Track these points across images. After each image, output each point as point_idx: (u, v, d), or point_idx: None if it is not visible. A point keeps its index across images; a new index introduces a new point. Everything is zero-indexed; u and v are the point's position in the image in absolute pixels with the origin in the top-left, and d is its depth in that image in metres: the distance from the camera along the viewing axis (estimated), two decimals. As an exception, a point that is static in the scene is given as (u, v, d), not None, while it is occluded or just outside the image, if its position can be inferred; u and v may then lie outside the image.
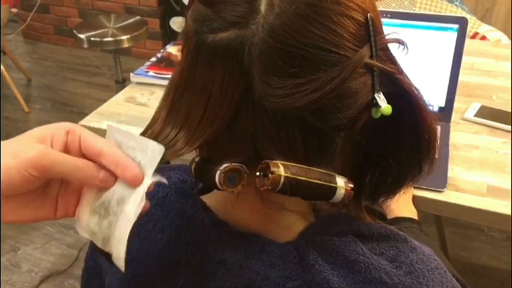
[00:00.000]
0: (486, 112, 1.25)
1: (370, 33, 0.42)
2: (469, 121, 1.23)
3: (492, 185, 1.02)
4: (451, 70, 1.19)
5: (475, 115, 1.24)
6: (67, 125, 0.43)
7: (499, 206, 0.97)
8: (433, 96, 1.21)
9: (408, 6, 2.15)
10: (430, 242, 0.87)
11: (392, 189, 0.52)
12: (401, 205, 0.95)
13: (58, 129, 0.42)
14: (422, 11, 2.13)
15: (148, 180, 0.41)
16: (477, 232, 2.04)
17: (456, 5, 2.16)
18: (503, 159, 1.10)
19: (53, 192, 0.45)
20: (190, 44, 0.44)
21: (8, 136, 2.74)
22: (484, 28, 2.05)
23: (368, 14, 0.42)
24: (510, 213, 0.95)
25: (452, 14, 2.09)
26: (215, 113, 0.43)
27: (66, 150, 0.42)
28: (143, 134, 0.47)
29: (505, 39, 2.02)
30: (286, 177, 0.42)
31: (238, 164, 0.44)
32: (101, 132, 1.25)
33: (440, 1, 2.14)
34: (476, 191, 1.01)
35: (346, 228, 0.51)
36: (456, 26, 1.17)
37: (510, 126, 1.19)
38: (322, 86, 0.40)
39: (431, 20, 1.19)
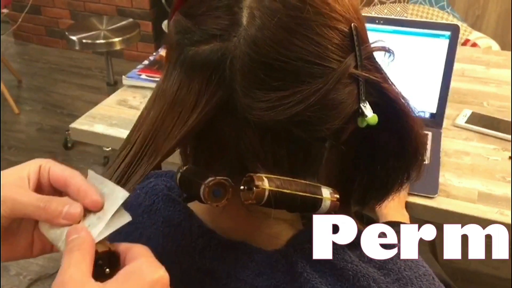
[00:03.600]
0: (477, 119, 1.26)
1: (354, 43, 0.42)
2: (460, 127, 1.24)
3: (483, 192, 1.03)
4: (442, 76, 1.20)
5: (466, 122, 1.25)
6: (39, 161, 0.44)
7: (490, 212, 0.98)
8: (424, 102, 1.22)
9: (400, 12, 2.16)
10: (421, 248, 0.88)
11: (381, 195, 0.52)
12: (393, 209, 0.95)
13: (32, 167, 0.43)
14: (414, 18, 2.14)
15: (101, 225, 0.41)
16: (467, 238, 2.05)
17: (447, 12, 2.17)
18: (494, 166, 1.11)
19: (28, 228, 0.45)
20: (172, 55, 0.44)
21: (-2, 137, 2.72)
22: (475, 35, 2.07)
23: (352, 24, 0.42)
24: (500, 220, 0.96)
25: (444, 21, 2.10)
26: (183, 123, 0.42)
27: (39, 185, 0.43)
28: (125, 143, 0.46)
29: (495, 46, 2.04)
30: (270, 191, 0.42)
31: (223, 178, 0.43)
32: (93, 135, 1.25)
33: (432, 8, 2.16)
34: (467, 197, 1.02)
35: None
36: (448, 33, 1.18)
37: (500, 133, 1.20)
38: (306, 98, 0.40)
39: (423, 27, 1.19)
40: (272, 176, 0.43)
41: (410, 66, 1.19)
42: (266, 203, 0.42)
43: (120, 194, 0.41)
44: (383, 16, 1.40)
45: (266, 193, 0.41)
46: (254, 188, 0.41)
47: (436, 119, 1.22)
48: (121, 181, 0.42)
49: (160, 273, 0.38)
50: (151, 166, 0.42)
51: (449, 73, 1.19)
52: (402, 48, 1.17)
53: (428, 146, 1.14)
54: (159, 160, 0.43)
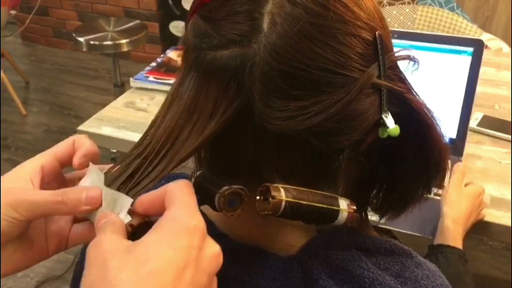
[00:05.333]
0: (488, 122, 1.24)
1: (378, 52, 0.40)
2: (472, 130, 1.22)
3: (495, 197, 1.02)
4: (464, 97, 1.08)
5: (478, 125, 1.23)
6: (36, 161, 0.44)
7: (503, 218, 0.96)
8: (443, 126, 1.13)
9: (409, 13, 2.15)
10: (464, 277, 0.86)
11: (400, 207, 0.50)
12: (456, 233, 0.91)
13: (31, 169, 0.43)
14: (423, 19, 2.12)
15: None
16: (476, 242, 2.03)
17: (457, 13, 2.15)
18: (506, 170, 1.09)
19: (39, 228, 0.44)
20: (188, 58, 0.43)
21: (5, 139, 2.73)
22: (485, 37, 2.05)
23: (377, 32, 0.40)
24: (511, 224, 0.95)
25: (453, 22, 2.09)
26: (201, 131, 0.41)
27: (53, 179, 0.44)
28: (138, 144, 0.45)
29: (506, 47, 2.02)
30: (287, 202, 0.41)
31: (239, 187, 0.42)
32: (100, 137, 1.25)
33: (441, 10, 2.14)
34: (480, 202, 1.00)
35: (350, 242, 0.50)
36: (470, 49, 1.07)
37: (511, 136, 1.19)
38: (326, 109, 0.38)
39: (443, 42, 1.09)
40: (289, 186, 0.41)
41: (427, 85, 1.06)
42: (283, 214, 0.41)
43: (125, 202, 0.40)
44: (399, 29, 1.33)
45: (283, 204, 0.40)
46: (270, 199, 0.40)
47: (456, 145, 1.09)
48: (129, 181, 0.42)
49: (196, 220, 0.36)
50: (165, 172, 0.41)
51: (471, 94, 1.07)
52: (419, 65, 1.06)
53: (446, 178, 1.03)
54: (173, 167, 0.42)
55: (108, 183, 0.42)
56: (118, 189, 0.41)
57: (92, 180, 0.43)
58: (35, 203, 0.39)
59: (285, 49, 0.38)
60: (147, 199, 0.40)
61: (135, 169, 0.42)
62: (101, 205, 0.40)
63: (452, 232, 0.90)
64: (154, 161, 0.42)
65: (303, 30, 0.38)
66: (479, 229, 0.97)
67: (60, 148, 0.45)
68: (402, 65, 0.44)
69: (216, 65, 0.40)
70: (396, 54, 0.43)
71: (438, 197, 0.98)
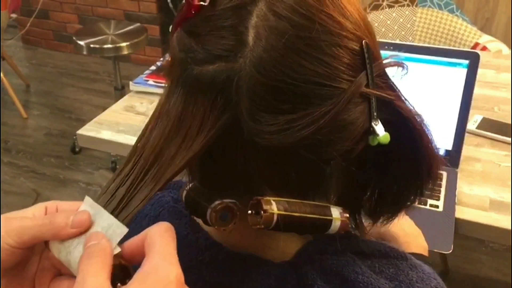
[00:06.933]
0: (488, 125, 1.24)
1: (365, 61, 0.40)
2: (471, 133, 1.22)
3: (495, 199, 1.02)
4: (459, 109, 1.08)
5: (477, 128, 1.23)
6: (42, 204, 0.44)
7: (502, 221, 0.96)
8: (439, 138, 1.11)
9: (408, 16, 2.15)
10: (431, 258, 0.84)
11: (393, 210, 0.50)
12: (411, 239, 0.90)
13: (36, 209, 0.43)
14: (422, 22, 2.13)
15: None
16: (477, 244, 2.03)
17: (456, 15, 2.15)
18: (505, 173, 1.09)
19: (30, 273, 0.44)
20: (175, 72, 0.42)
21: (6, 142, 2.73)
22: (484, 39, 2.05)
23: (363, 41, 0.40)
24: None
25: (453, 24, 2.09)
26: (188, 148, 0.40)
27: None
28: (127, 162, 0.43)
29: (505, 49, 2.02)
30: (279, 215, 0.40)
31: (230, 201, 0.42)
32: (99, 141, 1.25)
33: (441, 12, 2.14)
34: (479, 205, 1.00)
35: (345, 246, 0.49)
36: (466, 61, 1.07)
37: (510, 138, 1.19)
38: (315, 121, 0.38)
39: (439, 55, 1.09)
40: (280, 199, 0.41)
41: (422, 98, 1.08)
42: (275, 227, 0.41)
43: (118, 230, 0.39)
44: (392, 41, 1.30)
45: (275, 217, 0.40)
46: (262, 213, 0.40)
47: (452, 157, 1.10)
48: (119, 206, 0.41)
49: (175, 271, 0.37)
50: (153, 192, 0.41)
51: (467, 106, 1.07)
52: (414, 78, 1.04)
53: (442, 189, 1.04)
54: (161, 186, 0.41)
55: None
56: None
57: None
58: (26, 228, 0.40)
59: (271, 63, 0.37)
60: (128, 246, 0.40)
61: (126, 190, 0.41)
62: (87, 229, 0.40)
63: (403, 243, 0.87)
64: (142, 182, 0.41)
65: (288, 43, 0.37)
66: (480, 232, 0.97)
67: (66, 203, 0.45)
68: (392, 71, 0.43)
69: (202, 81, 0.39)
70: (385, 61, 0.42)
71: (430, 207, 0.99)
